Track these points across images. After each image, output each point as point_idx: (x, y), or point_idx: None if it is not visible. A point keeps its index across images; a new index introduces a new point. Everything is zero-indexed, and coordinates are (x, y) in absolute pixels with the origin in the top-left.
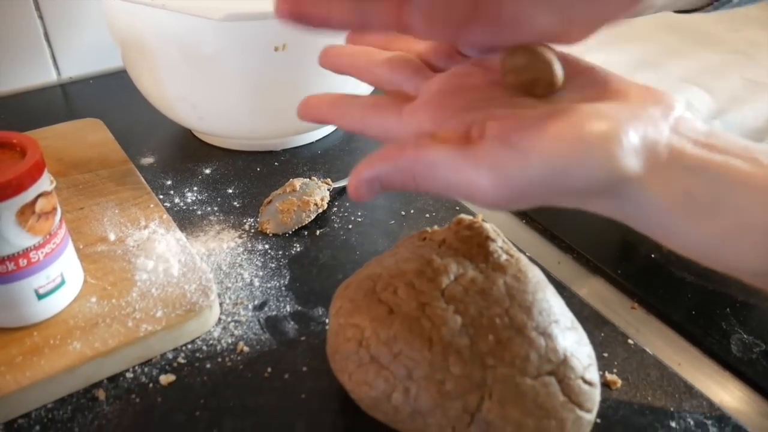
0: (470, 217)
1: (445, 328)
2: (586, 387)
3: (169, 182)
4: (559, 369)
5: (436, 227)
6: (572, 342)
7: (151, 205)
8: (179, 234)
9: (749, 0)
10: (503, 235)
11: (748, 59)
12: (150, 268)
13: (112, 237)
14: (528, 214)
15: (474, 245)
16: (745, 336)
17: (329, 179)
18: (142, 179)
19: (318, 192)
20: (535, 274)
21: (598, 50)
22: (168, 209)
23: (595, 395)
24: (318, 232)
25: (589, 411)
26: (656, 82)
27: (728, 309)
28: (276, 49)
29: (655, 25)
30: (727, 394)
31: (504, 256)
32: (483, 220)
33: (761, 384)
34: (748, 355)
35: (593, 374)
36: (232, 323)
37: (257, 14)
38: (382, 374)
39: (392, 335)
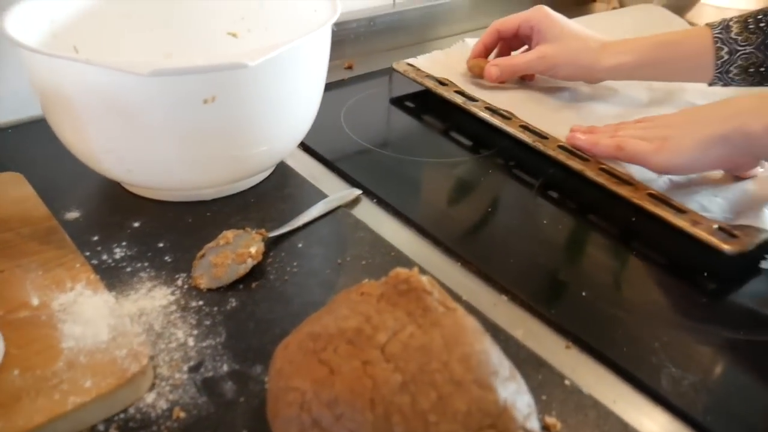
0: (407, 270)
1: (386, 387)
2: None
3: (96, 238)
4: (500, 421)
5: (371, 281)
6: (511, 392)
7: (78, 265)
8: (107, 295)
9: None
10: (438, 286)
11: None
12: (77, 335)
13: (35, 302)
14: (463, 256)
15: (412, 299)
16: (674, 369)
17: (264, 230)
18: (67, 237)
19: (252, 243)
20: (472, 325)
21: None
22: (95, 267)
23: None
24: (254, 284)
25: None
26: (585, 114)
27: (657, 343)
28: (205, 101)
29: None
30: (660, 428)
31: (441, 309)
32: (421, 271)
33: (691, 415)
34: (677, 388)
35: (533, 423)
36: (167, 387)
37: (185, 69)
38: None
39: (334, 397)
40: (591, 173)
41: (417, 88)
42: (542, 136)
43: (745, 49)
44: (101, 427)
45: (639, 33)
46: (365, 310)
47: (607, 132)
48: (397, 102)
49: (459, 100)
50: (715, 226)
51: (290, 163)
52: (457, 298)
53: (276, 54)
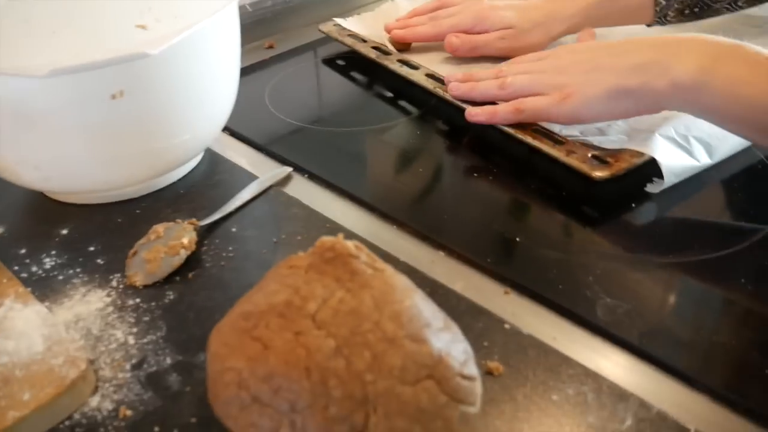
0: (332, 238)
1: (320, 353)
2: (465, 383)
3: (23, 251)
4: (436, 371)
5: (301, 253)
6: (446, 342)
7: (5, 280)
8: (39, 306)
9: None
10: (366, 249)
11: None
12: (10, 349)
13: None
14: (397, 219)
15: (339, 265)
16: (608, 300)
17: (195, 219)
18: None
19: (184, 234)
20: (401, 282)
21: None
22: (25, 280)
23: (475, 388)
24: (190, 275)
25: (472, 404)
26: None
27: (591, 277)
28: (113, 96)
29: None
30: (600, 357)
31: (369, 271)
32: (346, 238)
33: (627, 341)
34: (612, 317)
35: (471, 369)
36: (111, 388)
37: (85, 65)
38: (266, 412)
39: (269, 371)
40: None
41: (342, 49)
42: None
43: None
44: None
45: None
46: (294, 282)
47: (488, 76)
48: (328, 62)
49: (373, 54)
50: (590, 154)
51: (218, 149)
52: (394, 260)
53: (178, 40)
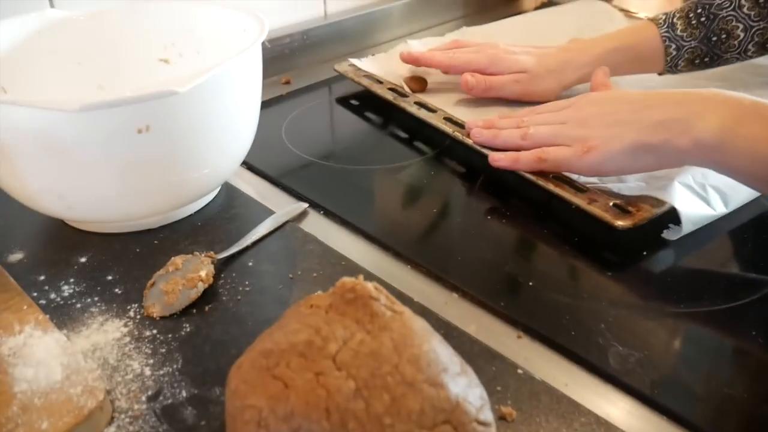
0: (352, 279)
1: (339, 395)
2: (481, 428)
3: (42, 277)
4: (453, 416)
5: (320, 292)
6: (463, 387)
7: (25, 307)
8: (58, 334)
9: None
10: (385, 291)
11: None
12: (30, 377)
13: None
14: (412, 259)
15: (359, 307)
16: (620, 348)
17: (213, 252)
18: (12, 279)
19: (202, 267)
20: (420, 326)
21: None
22: (44, 307)
23: None
24: (207, 308)
25: None
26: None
27: (603, 324)
28: (140, 131)
29: None
30: (611, 405)
31: (388, 313)
32: (365, 280)
33: (639, 390)
34: (624, 366)
35: (486, 414)
36: (127, 419)
37: (115, 101)
38: None
39: (290, 411)
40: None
41: (357, 89)
42: (463, 125)
43: (690, 44)
44: None
45: (583, 29)
46: (314, 322)
47: (510, 125)
48: (342, 101)
49: (390, 96)
50: (611, 203)
51: (235, 183)
52: (408, 300)
53: (205, 78)
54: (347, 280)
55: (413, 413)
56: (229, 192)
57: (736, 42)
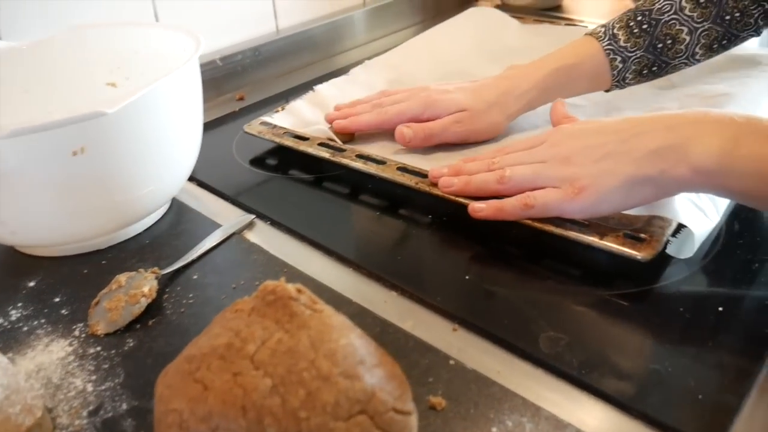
0: (274, 282)
1: (256, 393)
2: (399, 417)
3: None
4: (369, 406)
5: (246, 297)
6: (379, 378)
7: None
8: (1, 357)
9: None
10: (308, 291)
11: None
12: None
13: None
14: (354, 261)
15: (279, 307)
16: (551, 332)
17: (156, 268)
18: None
19: (145, 283)
20: (338, 322)
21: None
22: None
23: (409, 422)
24: (150, 322)
25: None
26: (455, 149)
27: (535, 311)
28: (74, 153)
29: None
30: (542, 388)
31: (307, 312)
32: (301, 282)
33: (567, 372)
34: (554, 349)
35: (405, 403)
36: None
37: (44, 125)
38: None
39: (208, 411)
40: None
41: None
42: (423, 175)
43: (635, 54)
44: None
45: (483, 39)
46: (235, 325)
47: (480, 168)
48: (258, 163)
49: (326, 153)
50: (622, 233)
51: (185, 200)
52: (347, 302)
53: (135, 99)
54: (269, 283)
55: (328, 405)
56: (178, 209)
57: (682, 46)
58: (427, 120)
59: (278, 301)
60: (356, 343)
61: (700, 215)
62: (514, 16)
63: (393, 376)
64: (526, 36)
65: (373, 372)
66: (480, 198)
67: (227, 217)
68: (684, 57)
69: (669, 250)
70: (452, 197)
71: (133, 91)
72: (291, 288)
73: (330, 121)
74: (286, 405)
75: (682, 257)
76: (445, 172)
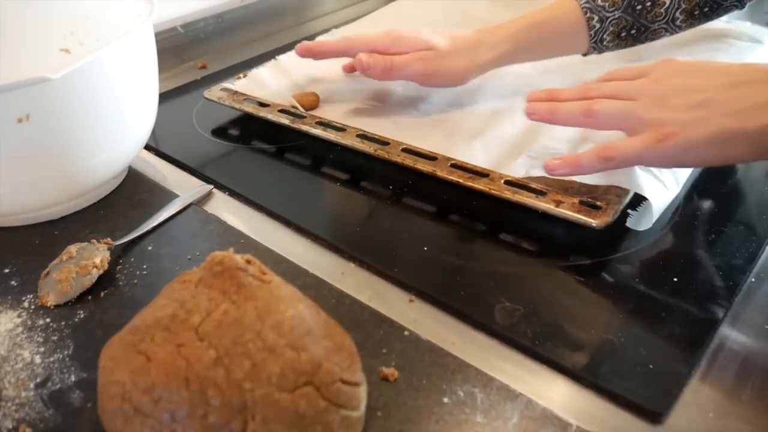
0: (222, 252)
1: (199, 364)
2: (346, 387)
3: None
4: (316, 377)
5: (194, 268)
6: (326, 349)
7: None
8: None
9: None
10: (258, 262)
11: (499, 75)
12: None
13: None
14: (312, 232)
15: (226, 278)
16: (507, 304)
17: (109, 238)
18: None
19: (97, 253)
20: (287, 293)
21: (353, 105)
22: None
23: (358, 393)
24: (102, 294)
25: (354, 409)
26: (419, 118)
27: (492, 283)
28: (20, 120)
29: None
30: (496, 359)
31: (255, 283)
32: (254, 253)
33: (521, 343)
34: (509, 320)
35: (354, 374)
36: (13, 407)
37: None
38: (148, 423)
39: (150, 383)
40: (442, 173)
41: (232, 115)
42: (383, 142)
43: (614, 15)
44: None
45: (453, 11)
46: (181, 296)
47: (573, 95)
48: (220, 133)
49: (286, 119)
50: (578, 200)
51: (142, 169)
52: (303, 272)
53: (80, 65)
54: (217, 253)
55: (273, 376)
56: (135, 179)
57: (662, 9)
58: (394, 54)
59: (226, 272)
60: (304, 314)
61: (659, 186)
62: None
63: (342, 347)
64: (497, 9)
65: (321, 343)
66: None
67: (186, 187)
68: (664, 21)
69: (628, 223)
70: (412, 166)
71: (82, 56)
72: (239, 258)
73: (299, 53)
74: (231, 376)
75: (641, 229)
76: (540, 95)
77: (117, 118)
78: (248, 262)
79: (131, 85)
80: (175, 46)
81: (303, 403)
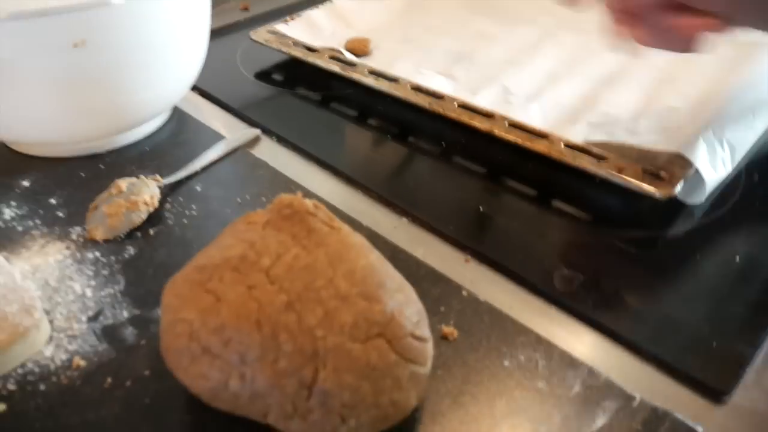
0: (291, 195)
1: (271, 307)
2: (416, 343)
3: None
4: (388, 329)
5: (260, 210)
6: (399, 302)
7: None
8: None
9: None
10: (324, 208)
11: (557, 38)
12: None
13: None
14: (363, 184)
15: (296, 222)
16: (566, 270)
17: (158, 176)
18: None
19: (147, 190)
20: (358, 242)
21: (408, 56)
22: None
23: (426, 349)
24: (151, 231)
25: (422, 365)
26: (474, 73)
27: (550, 249)
28: (75, 45)
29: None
30: (554, 325)
31: (325, 229)
32: (315, 198)
33: (580, 311)
34: (569, 288)
35: (423, 330)
36: (66, 339)
37: (47, 10)
38: (216, 364)
39: (220, 323)
40: (500, 131)
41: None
42: (438, 96)
43: None
44: None
45: None
46: (249, 237)
47: None
48: (264, 77)
49: (337, 67)
50: (641, 168)
51: (187, 109)
52: (357, 224)
53: None
54: (285, 196)
55: (345, 326)
56: (180, 118)
57: None
58: None
59: (295, 216)
60: (376, 264)
61: (716, 162)
62: None
63: (411, 301)
64: None
65: (393, 296)
66: None
67: (230, 129)
68: None
69: (679, 194)
70: (468, 122)
71: None
72: (308, 203)
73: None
74: (303, 322)
75: (692, 202)
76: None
77: (171, 53)
78: (316, 206)
79: (185, 21)
80: None
81: (374, 355)
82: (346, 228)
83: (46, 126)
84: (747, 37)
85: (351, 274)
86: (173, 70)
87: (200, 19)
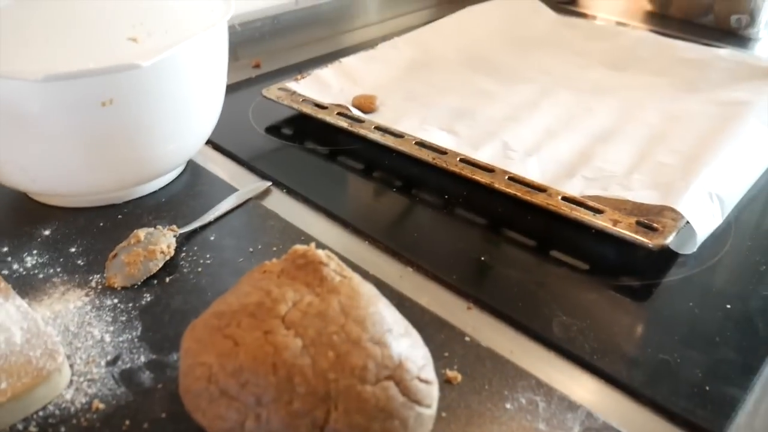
0: (304, 246)
1: (287, 351)
2: (422, 385)
3: (5, 249)
4: (396, 372)
5: (275, 260)
6: (406, 347)
7: None
8: (20, 301)
9: None
10: (336, 258)
11: (555, 96)
12: None
13: None
14: (371, 235)
15: (309, 272)
16: (564, 317)
17: (174, 226)
18: None
19: (163, 240)
20: (367, 290)
21: (412, 113)
22: (6, 277)
23: (432, 391)
24: (167, 279)
25: (428, 407)
26: (475, 129)
27: (549, 296)
28: (103, 104)
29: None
30: (553, 370)
31: (337, 278)
32: (323, 248)
33: (579, 356)
34: (567, 334)
35: (429, 373)
36: (85, 383)
37: (79, 72)
38: (233, 405)
39: (238, 366)
40: (500, 185)
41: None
42: (441, 151)
43: None
44: (20, 426)
45: (514, 26)
46: (266, 285)
47: None
48: (273, 131)
49: (344, 123)
50: (635, 220)
51: (201, 162)
52: (363, 273)
53: (169, 54)
54: (299, 247)
55: (357, 369)
56: (194, 170)
57: None
58: None
59: (309, 265)
60: (384, 312)
61: (706, 214)
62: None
63: (418, 346)
64: (557, 27)
65: (400, 341)
66: None
67: (242, 181)
68: None
69: (671, 244)
70: (470, 176)
71: (163, 46)
72: (321, 253)
73: None
74: (316, 366)
75: (684, 253)
76: None
77: (191, 109)
78: (328, 257)
79: (205, 79)
80: (231, 43)
81: (383, 397)
82: (357, 277)
83: (69, 179)
84: (733, 96)
85: (362, 320)
86: (193, 125)
87: (218, 77)
